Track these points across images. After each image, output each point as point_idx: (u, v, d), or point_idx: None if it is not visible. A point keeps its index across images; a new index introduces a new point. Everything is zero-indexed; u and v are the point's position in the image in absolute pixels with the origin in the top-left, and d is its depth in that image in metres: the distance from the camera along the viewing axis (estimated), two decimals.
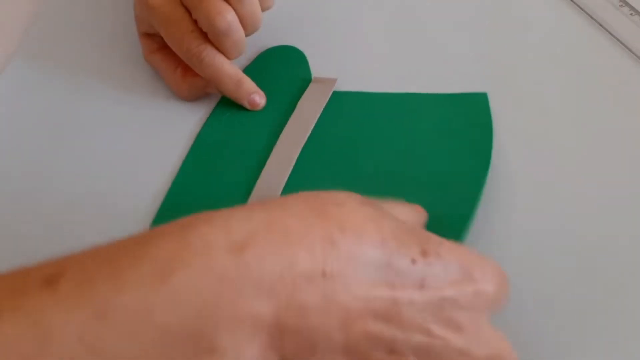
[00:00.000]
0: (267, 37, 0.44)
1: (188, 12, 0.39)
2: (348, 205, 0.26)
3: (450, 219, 0.34)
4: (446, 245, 0.27)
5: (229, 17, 0.37)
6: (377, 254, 0.25)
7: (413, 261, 0.25)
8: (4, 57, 0.44)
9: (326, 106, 0.40)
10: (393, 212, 0.28)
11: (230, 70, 0.40)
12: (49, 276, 0.22)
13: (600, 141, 0.39)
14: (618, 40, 0.43)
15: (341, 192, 0.27)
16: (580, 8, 0.45)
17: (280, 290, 0.23)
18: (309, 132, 0.39)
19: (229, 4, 0.38)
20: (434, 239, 0.27)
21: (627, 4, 0.44)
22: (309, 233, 0.24)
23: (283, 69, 0.43)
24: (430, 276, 0.25)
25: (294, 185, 0.37)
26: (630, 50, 0.42)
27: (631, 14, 0.44)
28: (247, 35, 0.39)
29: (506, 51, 0.43)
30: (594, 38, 0.43)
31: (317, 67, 0.43)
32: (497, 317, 0.28)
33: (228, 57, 0.40)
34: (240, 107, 0.41)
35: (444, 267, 0.26)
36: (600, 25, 0.44)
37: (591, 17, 0.44)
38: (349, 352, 0.24)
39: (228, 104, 0.41)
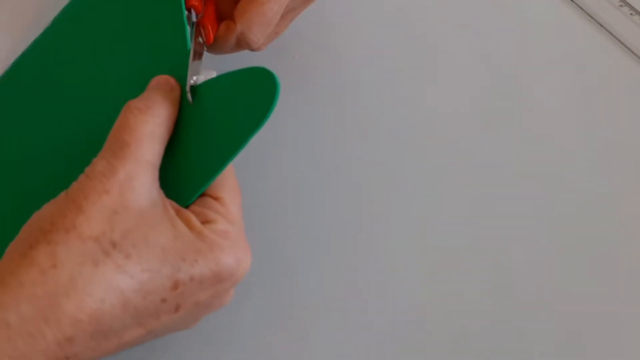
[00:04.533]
0: None
1: None
2: (78, 295, 0.24)
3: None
4: (201, 261, 0.27)
5: None
6: (120, 321, 0.25)
7: (163, 300, 0.26)
8: (4, 56, 0.44)
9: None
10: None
11: None
12: None
13: (601, 141, 0.39)
14: (618, 40, 0.43)
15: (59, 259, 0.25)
16: (580, 8, 0.45)
17: None
18: None
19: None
20: (187, 259, 0.27)
21: (627, 4, 0.44)
22: (41, 339, 0.24)
23: None
24: (183, 299, 0.27)
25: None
26: (630, 50, 0.42)
27: (631, 14, 0.44)
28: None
29: (506, 51, 0.43)
30: (594, 38, 0.43)
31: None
32: None
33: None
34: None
35: (199, 284, 0.27)
36: (600, 25, 0.44)
37: (591, 17, 0.44)
38: None
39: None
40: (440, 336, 0.34)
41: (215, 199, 0.29)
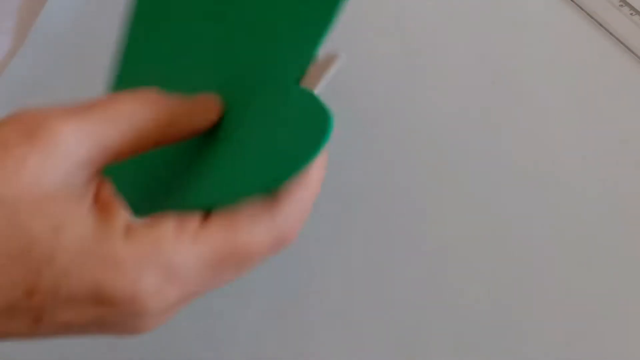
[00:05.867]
0: None
1: None
2: None
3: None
4: (76, 271, 0.20)
5: None
6: None
7: (12, 308, 0.19)
8: (4, 57, 0.44)
9: None
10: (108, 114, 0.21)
11: None
12: None
13: (600, 141, 0.39)
14: (618, 40, 0.43)
15: None
16: (580, 8, 0.45)
17: None
18: None
19: None
20: (58, 263, 0.19)
21: (627, 4, 0.44)
22: None
23: None
24: (44, 313, 0.20)
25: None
26: (630, 50, 0.42)
27: (631, 14, 0.44)
28: None
29: (506, 51, 0.43)
30: (594, 38, 0.43)
31: None
32: None
33: None
34: None
35: (66, 301, 0.20)
36: (600, 25, 0.44)
37: (591, 17, 0.44)
38: None
39: None
40: (440, 336, 0.34)
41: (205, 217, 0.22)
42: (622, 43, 0.43)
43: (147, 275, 0.20)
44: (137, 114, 0.22)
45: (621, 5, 0.44)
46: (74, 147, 0.20)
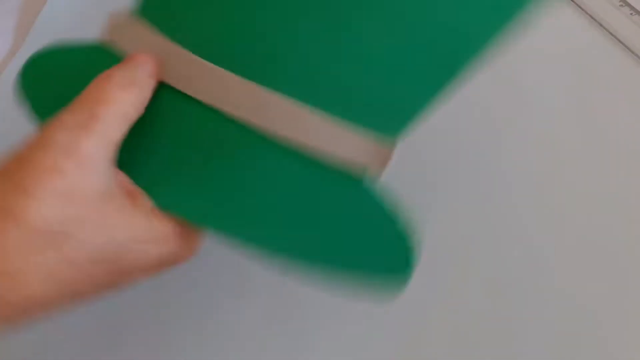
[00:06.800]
0: None
1: None
2: None
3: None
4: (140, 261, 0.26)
5: None
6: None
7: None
8: (4, 57, 0.44)
9: None
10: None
11: None
12: None
13: (600, 141, 0.39)
14: (618, 40, 0.43)
15: None
16: (580, 8, 0.45)
17: None
18: None
19: None
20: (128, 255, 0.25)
21: (627, 4, 0.44)
22: None
23: None
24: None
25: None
26: (630, 50, 0.42)
27: (631, 14, 0.44)
28: None
29: (506, 51, 0.43)
30: (594, 38, 0.43)
31: None
32: None
33: None
34: None
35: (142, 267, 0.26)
36: (600, 25, 0.44)
37: (591, 17, 0.44)
38: None
39: None
40: (440, 336, 0.34)
41: None
42: (622, 43, 0.43)
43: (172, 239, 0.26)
44: (127, 107, 0.26)
45: (621, 5, 0.44)
46: (102, 154, 0.25)
